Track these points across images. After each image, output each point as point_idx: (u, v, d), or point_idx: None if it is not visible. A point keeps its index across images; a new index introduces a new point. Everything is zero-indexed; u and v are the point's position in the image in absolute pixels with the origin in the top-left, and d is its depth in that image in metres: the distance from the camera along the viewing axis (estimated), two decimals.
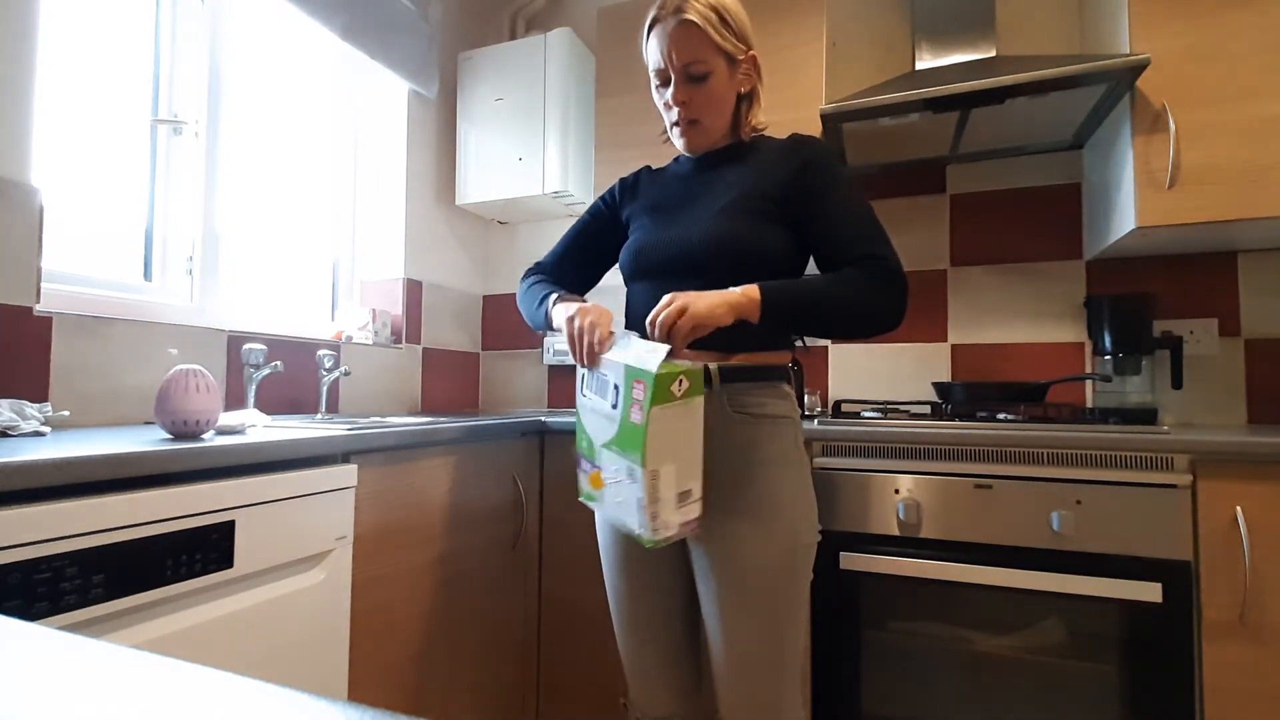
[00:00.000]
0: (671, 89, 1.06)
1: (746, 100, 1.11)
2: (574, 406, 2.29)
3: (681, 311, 0.91)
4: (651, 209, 1.15)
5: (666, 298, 0.93)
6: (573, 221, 2.31)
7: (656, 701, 1.09)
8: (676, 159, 1.21)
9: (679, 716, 1.10)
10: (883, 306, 0.97)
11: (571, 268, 1.24)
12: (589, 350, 0.95)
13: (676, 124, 1.09)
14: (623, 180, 1.24)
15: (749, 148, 1.11)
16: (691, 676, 1.11)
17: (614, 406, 0.93)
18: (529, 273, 1.24)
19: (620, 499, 0.92)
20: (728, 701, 0.99)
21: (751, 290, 0.94)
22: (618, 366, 0.93)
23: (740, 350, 1.03)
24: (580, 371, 1.00)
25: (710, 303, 0.92)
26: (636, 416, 0.90)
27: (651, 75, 1.09)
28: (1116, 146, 1.53)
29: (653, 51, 1.06)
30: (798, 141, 1.09)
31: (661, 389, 0.87)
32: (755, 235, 1.02)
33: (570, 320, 0.99)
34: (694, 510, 0.92)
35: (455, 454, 1.39)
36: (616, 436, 0.92)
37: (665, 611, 1.08)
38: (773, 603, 0.97)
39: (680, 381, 0.89)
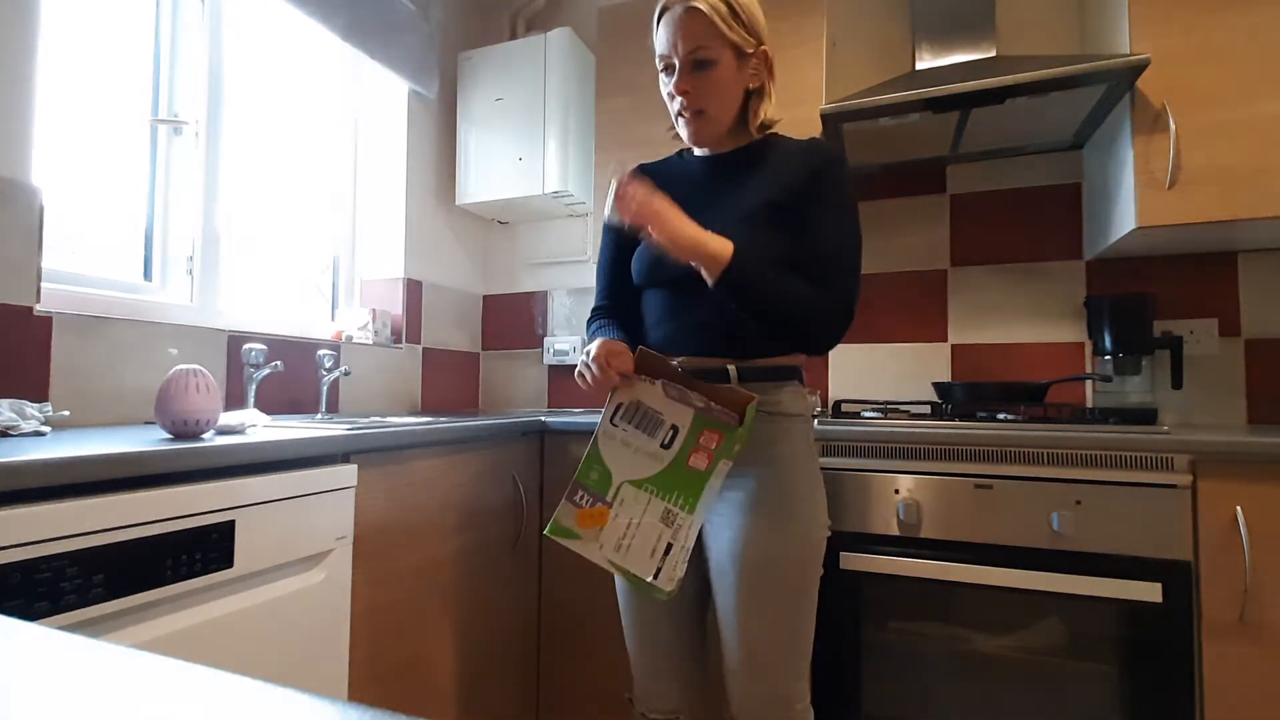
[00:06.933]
0: (675, 78, 1.04)
1: (756, 95, 1.09)
2: (574, 407, 2.30)
3: (652, 215, 0.93)
4: None
5: (655, 197, 0.94)
6: (573, 222, 2.36)
7: (662, 697, 1.09)
8: (680, 154, 1.19)
9: (684, 712, 1.10)
10: (822, 335, 1.00)
11: (625, 293, 1.19)
12: (606, 378, 0.96)
13: (681, 114, 1.07)
14: None
15: (762, 150, 1.10)
16: (698, 672, 1.12)
17: (665, 445, 0.92)
18: (590, 318, 1.22)
19: (634, 541, 0.89)
20: (739, 695, 0.99)
21: (724, 251, 0.94)
22: (682, 409, 0.92)
23: (757, 355, 1.04)
24: (615, 403, 0.97)
25: (681, 240, 0.93)
26: (699, 462, 0.90)
27: (658, 63, 1.07)
28: (1116, 146, 1.53)
29: (660, 40, 1.05)
30: (814, 151, 1.07)
31: (731, 444, 0.90)
32: (769, 250, 1.01)
33: (592, 356, 0.99)
34: (684, 569, 0.90)
35: (455, 454, 1.39)
36: (658, 476, 0.91)
37: (673, 606, 1.08)
38: (786, 597, 0.97)
39: (741, 446, 0.91)
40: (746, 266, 0.95)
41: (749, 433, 0.93)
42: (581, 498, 0.94)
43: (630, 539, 0.90)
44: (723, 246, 0.94)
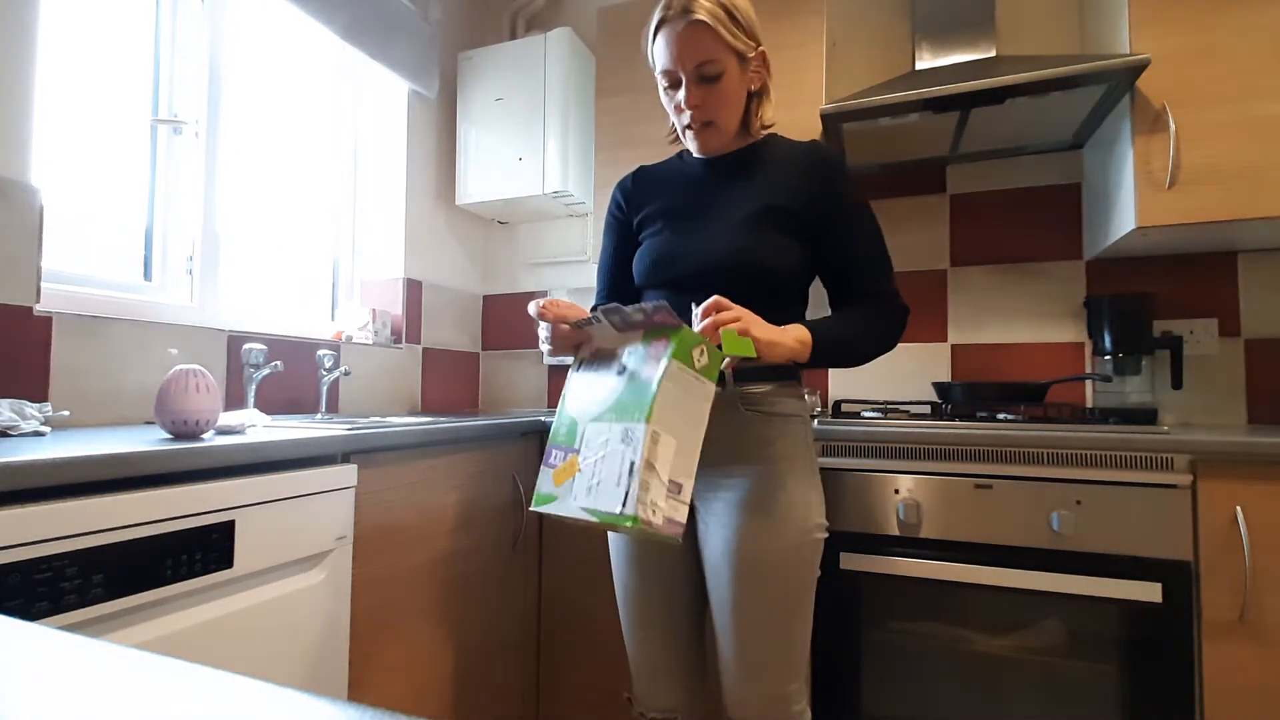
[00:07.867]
0: (683, 92, 1.02)
1: (757, 97, 1.09)
2: None
3: (744, 329, 0.88)
4: (666, 214, 1.12)
5: (723, 301, 0.90)
6: (573, 222, 2.36)
7: (661, 696, 1.09)
8: (680, 156, 1.19)
9: (683, 711, 1.10)
10: (890, 342, 1.07)
11: (625, 293, 1.20)
12: (553, 317, 0.94)
13: (690, 127, 1.06)
14: (621, 187, 1.21)
15: (762, 150, 1.10)
16: (697, 671, 1.12)
17: (619, 373, 0.88)
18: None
19: (599, 478, 0.83)
20: (735, 695, 0.99)
21: (804, 336, 0.96)
22: (629, 335, 0.89)
23: None
24: (578, 360, 0.97)
25: (770, 338, 0.91)
26: (649, 372, 0.84)
27: (659, 77, 1.06)
28: (1116, 146, 1.53)
29: (660, 54, 1.03)
30: (816, 156, 1.07)
31: (684, 348, 0.84)
32: (771, 251, 1.02)
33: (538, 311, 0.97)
34: (682, 511, 0.82)
35: (455, 454, 1.39)
36: (615, 403, 0.86)
37: (672, 605, 1.08)
38: (782, 597, 0.97)
39: (701, 350, 0.85)
40: (825, 337, 0.99)
41: (703, 339, 0.87)
42: (555, 458, 0.91)
43: (599, 476, 0.84)
44: (803, 334, 0.97)
